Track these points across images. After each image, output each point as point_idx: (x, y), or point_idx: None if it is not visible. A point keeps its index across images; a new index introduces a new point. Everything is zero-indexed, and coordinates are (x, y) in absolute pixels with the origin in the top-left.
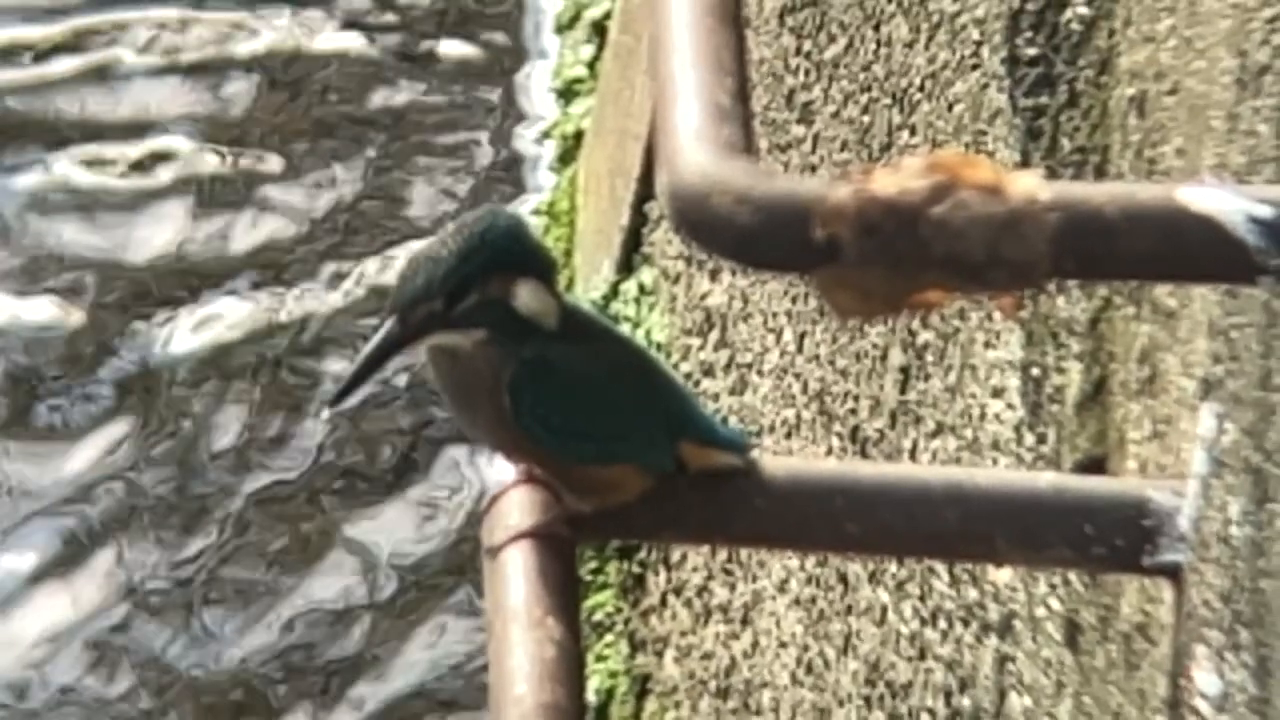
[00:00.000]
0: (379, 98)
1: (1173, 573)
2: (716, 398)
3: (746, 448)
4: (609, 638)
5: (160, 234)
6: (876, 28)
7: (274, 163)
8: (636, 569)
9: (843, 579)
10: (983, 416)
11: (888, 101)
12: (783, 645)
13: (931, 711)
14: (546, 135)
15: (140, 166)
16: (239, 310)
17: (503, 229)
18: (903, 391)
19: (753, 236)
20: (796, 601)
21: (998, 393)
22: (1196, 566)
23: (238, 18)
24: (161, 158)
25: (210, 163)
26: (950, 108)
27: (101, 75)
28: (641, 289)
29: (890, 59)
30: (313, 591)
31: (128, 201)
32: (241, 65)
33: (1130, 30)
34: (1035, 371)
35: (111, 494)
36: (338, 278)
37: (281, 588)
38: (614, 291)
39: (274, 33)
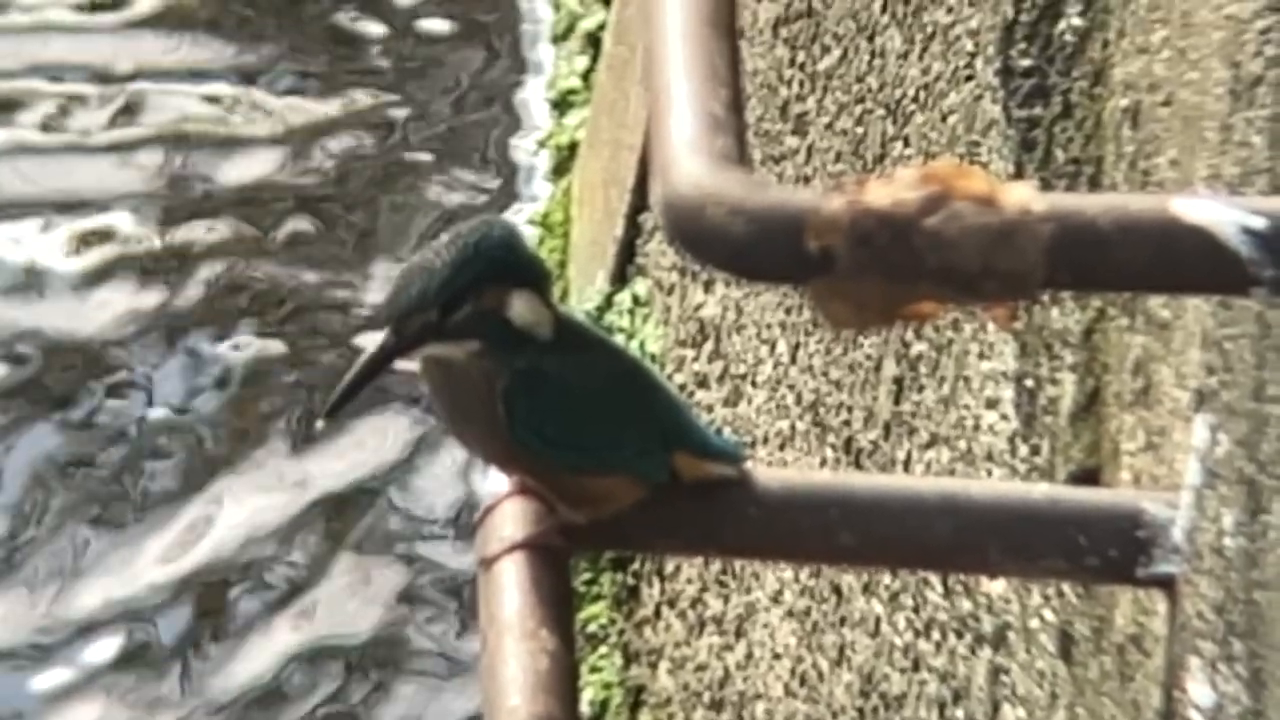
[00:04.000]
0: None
1: (1167, 584)
2: (711, 409)
3: (741, 458)
4: (603, 649)
5: None
6: (870, 39)
7: (266, 161)
8: (630, 580)
9: (836, 590)
10: (976, 428)
11: (881, 113)
12: (776, 657)
13: None
14: (541, 146)
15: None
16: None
17: (497, 239)
18: (896, 403)
19: (747, 247)
20: (790, 613)
21: (991, 404)
22: (1190, 578)
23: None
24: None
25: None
26: (944, 119)
27: None
28: (635, 300)
29: (884, 70)
30: None
31: None
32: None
33: (1124, 41)
34: (1029, 383)
35: None
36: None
37: None
38: (608, 303)
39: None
